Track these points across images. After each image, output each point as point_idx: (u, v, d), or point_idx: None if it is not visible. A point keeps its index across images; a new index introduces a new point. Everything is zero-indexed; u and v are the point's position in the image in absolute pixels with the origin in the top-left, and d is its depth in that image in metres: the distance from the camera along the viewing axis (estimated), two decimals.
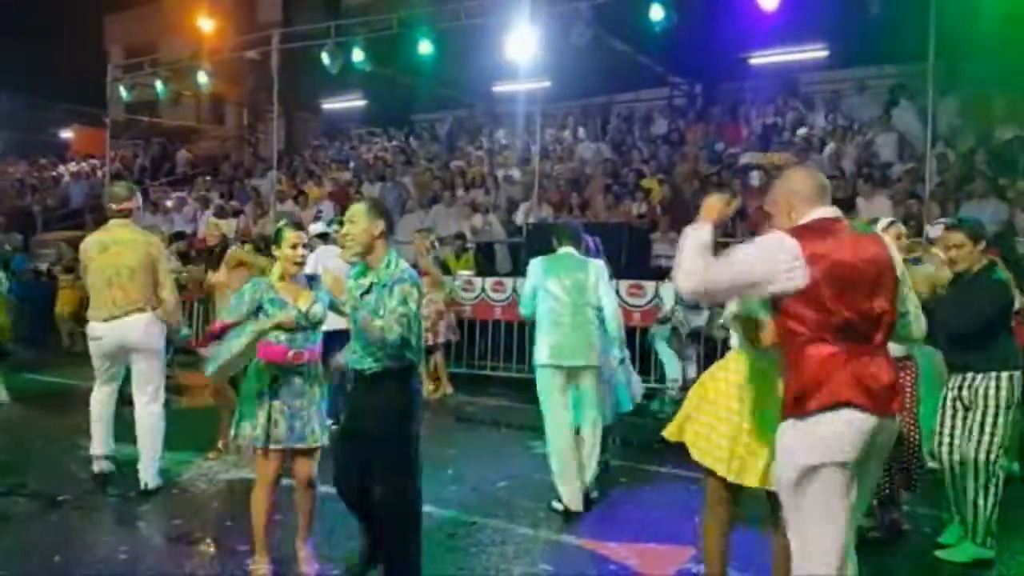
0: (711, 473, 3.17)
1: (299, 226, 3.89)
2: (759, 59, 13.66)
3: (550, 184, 11.55)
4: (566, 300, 4.85)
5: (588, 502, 4.94)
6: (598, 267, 5.01)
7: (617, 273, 8.59)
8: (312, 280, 3.89)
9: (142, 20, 22.97)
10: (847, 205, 9.35)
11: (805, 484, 2.54)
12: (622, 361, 5.38)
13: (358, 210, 3.54)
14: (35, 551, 4.14)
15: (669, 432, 3.37)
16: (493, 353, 9.16)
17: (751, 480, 3.09)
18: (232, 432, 3.75)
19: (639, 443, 6.82)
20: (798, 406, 2.56)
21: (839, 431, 2.51)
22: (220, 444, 6.01)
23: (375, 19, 11.88)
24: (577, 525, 4.62)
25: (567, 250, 5.02)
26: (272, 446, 3.66)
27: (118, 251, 5.05)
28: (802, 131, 11.88)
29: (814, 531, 2.56)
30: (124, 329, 5.06)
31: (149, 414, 5.18)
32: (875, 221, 4.56)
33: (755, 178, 10.49)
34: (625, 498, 5.17)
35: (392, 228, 3.65)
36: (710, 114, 13.82)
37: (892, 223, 4.53)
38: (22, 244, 12.65)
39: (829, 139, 11.38)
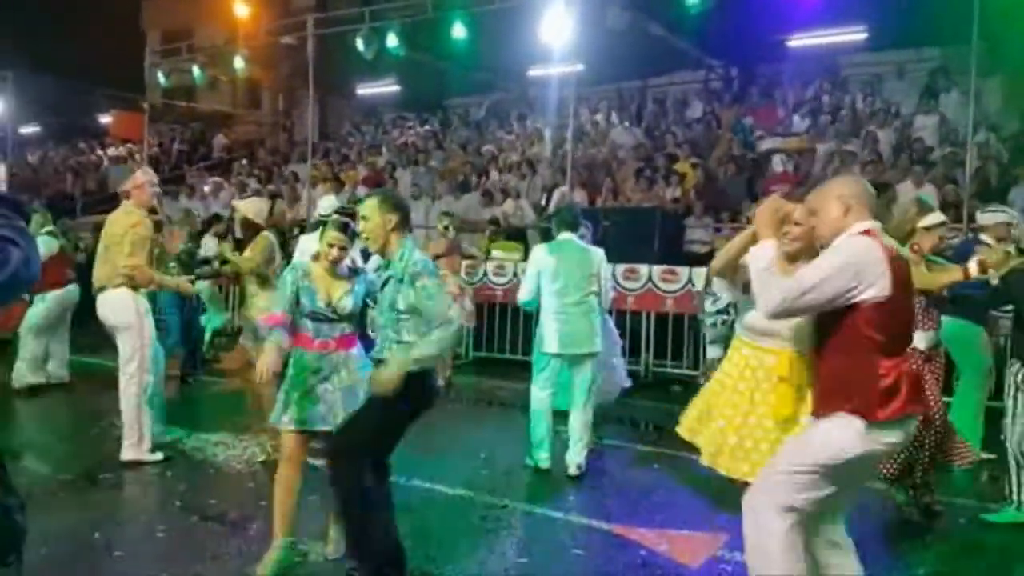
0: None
1: (346, 227, 3.77)
2: (797, 41, 13.42)
3: (583, 169, 11.48)
4: (570, 289, 5.01)
5: (620, 488, 4.94)
6: (599, 255, 5.19)
7: (650, 258, 8.61)
8: (355, 272, 3.86)
9: (179, 5, 23.20)
10: (885, 189, 9.20)
11: (842, 468, 2.61)
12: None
13: (370, 205, 3.48)
14: (75, 528, 4.24)
15: (684, 428, 3.39)
16: (524, 338, 9.15)
17: (745, 471, 3.08)
18: (272, 415, 3.81)
19: (672, 429, 6.79)
20: (865, 411, 2.57)
21: (899, 439, 2.61)
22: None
23: (409, 3, 11.86)
24: (608, 510, 4.61)
25: (566, 236, 5.16)
26: (295, 427, 3.70)
27: (105, 231, 5.32)
28: (825, 119, 11.69)
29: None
30: (99, 306, 5.28)
31: (122, 392, 5.26)
32: (927, 208, 4.40)
33: (779, 163, 10.36)
34: (657, 484, 5.15)
35: (407, 219, 3.53)
36: (747, 97, 13.63)
37: (943, 224, 4.39)
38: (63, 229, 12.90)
39: (867, 123, 11.17)
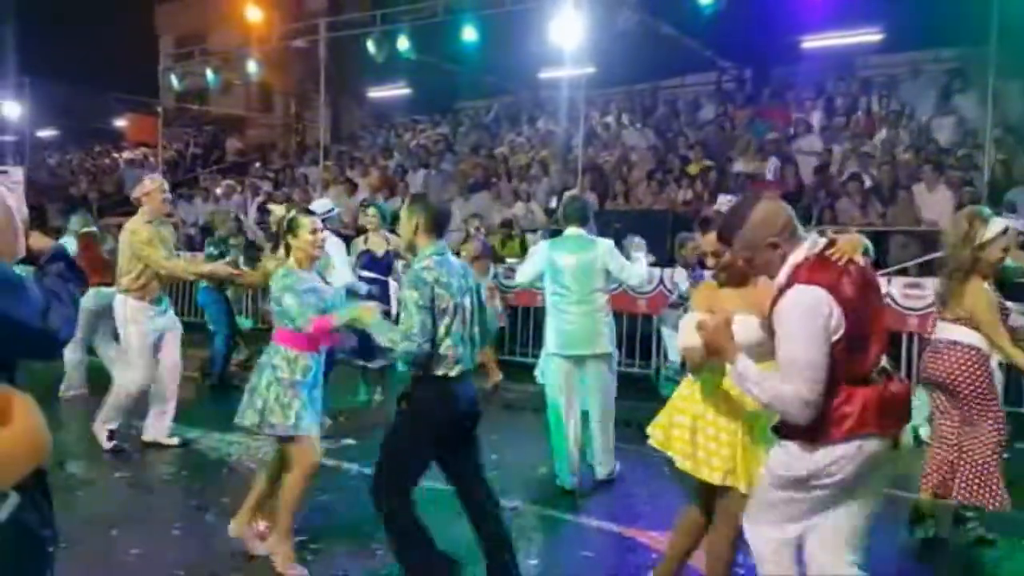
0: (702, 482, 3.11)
1: (309, 211, 3.91)
2: (811, 42, 13.34)
3: (594, 171, 11.48)
4: (573, 287, 4.82)
5: (630, 491, 4.94)
6: (606, 245, 4.92)
7: (661, 261, 8.58)
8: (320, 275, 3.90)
9: (192, 9, 23.34)
10: (898, 191, 9.16)
11: (793, 493, 2.58)
12: None
13: (404, 210, 3.47)
14: (93, 526, 4.29)
15: (655, 438, 3.30)
16: (535, 340, 9.15)
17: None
18: (258, 418, 3.70)
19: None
20: (812, 432, 2.50)
21: (851, 455, 2.49)
22: None
23: (420, 7, 11.91)
24: (619, 513, 4.61)
25: (574, 230, 4.96)
26: (307, 433, 3.70)
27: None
28: (840, 121, 11.64)
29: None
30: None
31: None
32: (983, 219, 4.06)
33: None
34: (668, 487, 5.12)
35: (433, 220, 3.37)
36: (760, 99, 13.57)
37: (1005, 231, 4.05)
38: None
39: (883, 125, 11.11)
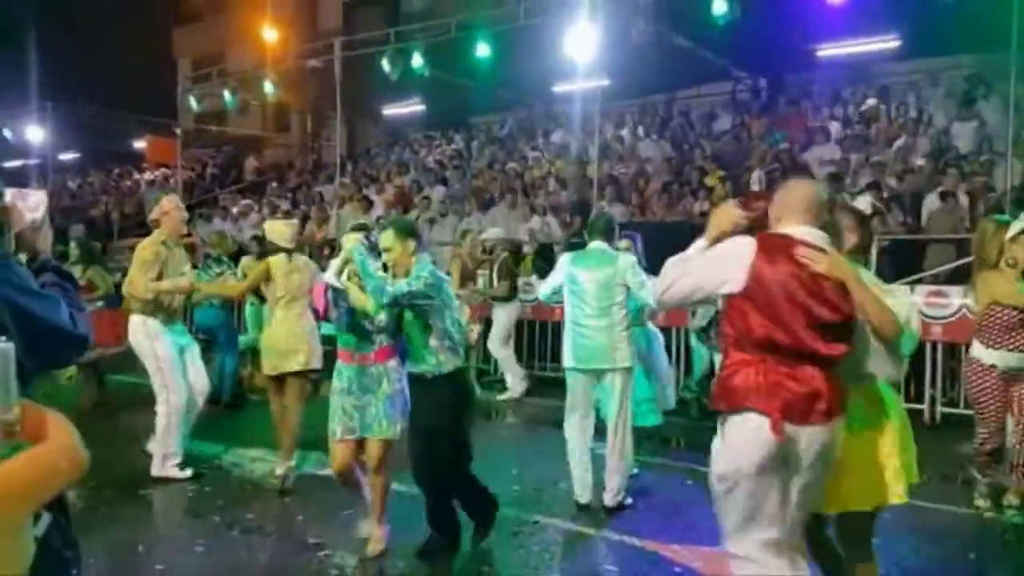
0: None
1: (364, 227, 4.12)
2: (827, 51, 13.31)
3: (611, 183, 11.48)
4: (591, 301, 4.76)
5: (652, 504, 4.90)
6: (627, 260, 4.87)
7: None
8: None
9: (209, 32, 23.69)
10: (917, 199, 9.08)
11: (730, 489, 2.67)
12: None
13: (388, 236, 3.85)
14: (118, 542, 4.31)
15: None
16: (553, 355, 9.14)
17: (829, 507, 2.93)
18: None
19: (704, 445, 6.74)
20: (715, 402, 2.72)
21: (747, 437, 2.58)
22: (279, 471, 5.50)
23: (433, 24, 12.01)
24: (641, 526, 4.57)
25: (597, 244, 4.93)
26: (342, 437, 3.97)
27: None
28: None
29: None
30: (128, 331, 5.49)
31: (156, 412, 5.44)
32: (1004, 224, 4.45)
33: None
34: (690, 500, 5.09)
35: (421, 242, 3.97)
36: (775, 108, 13.53)
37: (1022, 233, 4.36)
38: (100, 251, 13.08)
39: (901, 131, 11.04)
